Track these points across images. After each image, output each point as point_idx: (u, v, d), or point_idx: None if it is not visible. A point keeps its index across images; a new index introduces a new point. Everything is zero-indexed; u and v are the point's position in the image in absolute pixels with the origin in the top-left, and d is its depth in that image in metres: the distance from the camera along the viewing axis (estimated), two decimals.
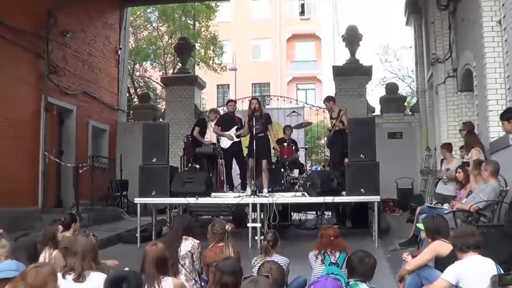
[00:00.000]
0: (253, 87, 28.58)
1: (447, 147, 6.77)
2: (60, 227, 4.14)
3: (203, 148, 8.16)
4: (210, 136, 8.60)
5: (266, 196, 6.47)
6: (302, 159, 9.14)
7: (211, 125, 8.20)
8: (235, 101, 8.38)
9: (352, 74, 11.06)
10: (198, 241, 3.77)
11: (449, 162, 6.57)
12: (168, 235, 4.05)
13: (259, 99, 7.53)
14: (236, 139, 7.74)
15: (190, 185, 6.50)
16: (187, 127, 11.25)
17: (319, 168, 11.61)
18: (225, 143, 7.79)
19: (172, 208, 7.73)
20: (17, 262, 2.86)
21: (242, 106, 9.41)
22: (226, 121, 7.91)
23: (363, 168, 6.23)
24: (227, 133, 7.78)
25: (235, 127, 7.82)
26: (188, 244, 3.71)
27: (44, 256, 3.62)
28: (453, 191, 6.12)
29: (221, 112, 8.76)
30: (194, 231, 3.86)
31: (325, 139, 8.61)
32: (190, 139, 8.31)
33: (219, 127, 7.90)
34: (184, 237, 3.73)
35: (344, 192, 6.43)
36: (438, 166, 8.18)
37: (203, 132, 8.35)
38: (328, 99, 8.03)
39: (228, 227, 3.76)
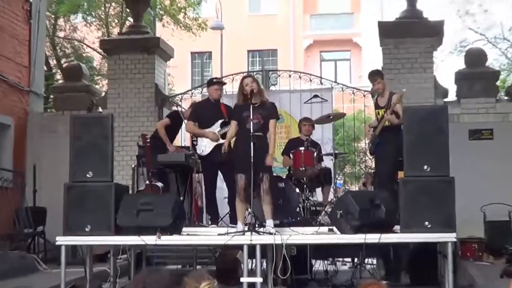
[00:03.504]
0: (250, 56, 28.69)
1: None
2: None
3: (169, 156, 8.12)
4: (182, 137, 8.61)
5: (270, 233, 6.45)
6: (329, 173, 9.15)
7: (185, 122, 8.23)
8: (222, 83, 8.37)
9: (410, 35, 11.08)
10: None
11: None
12: None
13: (259, 76, 7.52)
14: (222, 141, 7.72)
15: (148, 215, 6.47)
16: (143, 120, 11.23)
17: (337, 183, 11.60)
18: (205, 147, 7.81)
19: (118, 253, 7.70)
20: None
21: (232, 88, 9.42)
22: (207, 113, 7.91)
23: (429, 187, 6.23)
24: (208, 131, 7.78)
25: (220, 121, 7.85)
26: None
27: None
28: None
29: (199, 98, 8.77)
30: None
31: (367, 140, 8.61)
32: (148, 140, 8.31)
33: (196, 123, 7.90)
34: None
35: (397, 227, 6.42)
36: None
37: (172, 131, 8.28)
38: (373, 75, 8.05)
39: (203, 287, 3.73)
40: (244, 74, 7.82)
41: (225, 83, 8.52)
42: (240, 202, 6.78)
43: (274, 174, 7.32)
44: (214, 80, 8.44)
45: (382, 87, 7.97)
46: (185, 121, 8.38)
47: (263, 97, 6.95)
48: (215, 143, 7.75)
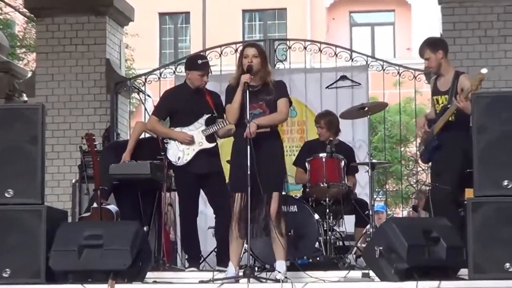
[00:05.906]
0: (246, 19, 28.78)
1: None
2: None
3: (127, 166, 8.22)
4: None
5: (278, 281, 6.48)
6: (363, 192, 9.25)
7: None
8: (208, 64, 8.32)
9: None
10: None
11: None
12: None
13: (263, 47, 7.56)
14: (208, 145, 7.87)
15: (97, 253, 6.51)
16: (89, 113, 11.37)
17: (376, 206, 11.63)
18: (182, 153, 7.89)
19: None
20: None
21: (220, 66, 9.49)
22: (185, 105, 8.01)
23: (510, 212, 6.26)
24: (177, 130, 7.90)
25: (205, 116, 7.95)
26: None
27: None
28: None
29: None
30: None
31: (419, 143, 8.64)
32: (96, 143, 8.36)
33: (168, 118, 8.07)
34: None
35: (464, 271, 6.46)
36: None
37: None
38: (421, 48, 8.05)
39: None
40: (243, 44, 7.80)
41: (208, 64, 8.35)
42: (235, 234, 6.77)
43: (283, 193, 7.31)
44: (200, 61, 8.23)
45: (434, 64, 7.86)
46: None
47: (268, 75, 6.96)
48: (198, 148, 7.80)
